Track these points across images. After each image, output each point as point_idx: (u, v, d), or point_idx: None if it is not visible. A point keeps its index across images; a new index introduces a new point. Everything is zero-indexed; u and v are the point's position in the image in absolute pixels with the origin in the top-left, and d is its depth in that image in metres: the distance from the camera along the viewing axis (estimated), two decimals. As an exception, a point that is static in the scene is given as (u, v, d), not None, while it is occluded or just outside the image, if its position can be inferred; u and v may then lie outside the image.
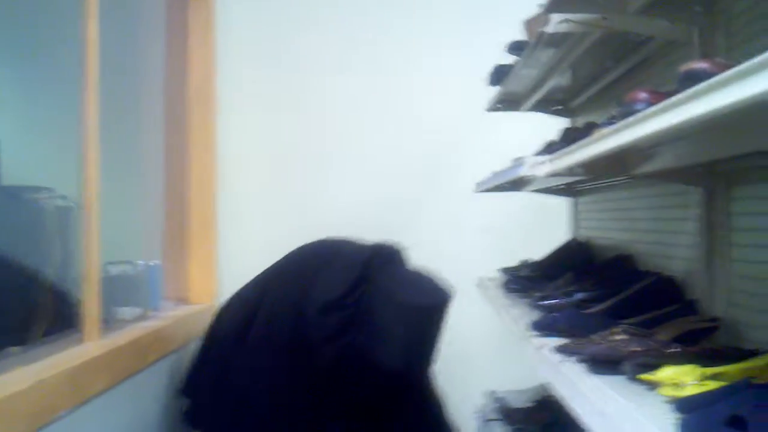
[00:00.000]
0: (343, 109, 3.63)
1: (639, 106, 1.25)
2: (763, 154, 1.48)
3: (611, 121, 1.59)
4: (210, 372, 2.50)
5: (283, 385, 2.38)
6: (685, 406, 0.99)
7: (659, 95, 1.27)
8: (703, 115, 0.90)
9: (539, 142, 2.65)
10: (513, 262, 2.98)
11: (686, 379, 1.10)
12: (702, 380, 1.09)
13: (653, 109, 1.05)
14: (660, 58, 2.12)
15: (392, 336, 2.35)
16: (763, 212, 1.54)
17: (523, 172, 1.77)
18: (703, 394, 1.00)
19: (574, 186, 3.03)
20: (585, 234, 2.97)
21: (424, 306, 2.43)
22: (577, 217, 3.15)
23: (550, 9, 1.84)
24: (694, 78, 1.02)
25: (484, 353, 3.48)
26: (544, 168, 1.77)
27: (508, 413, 2.69)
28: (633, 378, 1.25)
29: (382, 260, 2.53)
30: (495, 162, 3.00)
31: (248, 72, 3.59)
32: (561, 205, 3.24)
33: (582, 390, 1.26)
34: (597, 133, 1.38)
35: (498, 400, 2.86)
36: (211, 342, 2.58)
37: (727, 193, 1.67)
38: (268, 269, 2.66)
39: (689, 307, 1.64)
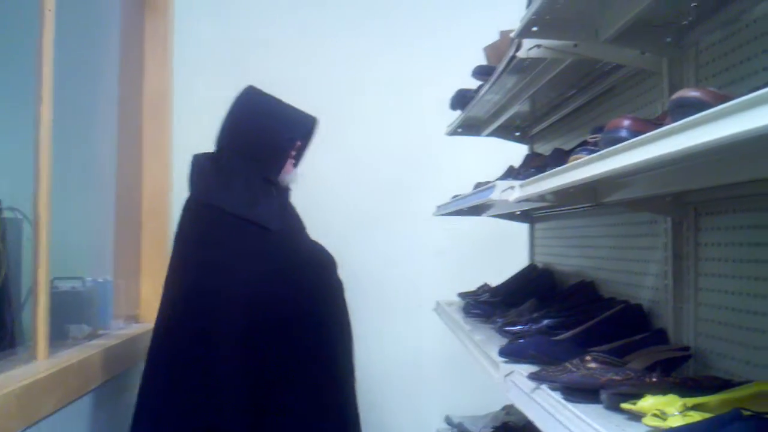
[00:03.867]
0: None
1: (622, 133, 1.25)
2: (731, 185, 1.50)
3: (585, 147, 1.60)
4: None
5: None
6: (673, 437, 0.98)
7: (643, 123, 1.27)
8: (697, 146, 0.89)
9: (495, 167, 2.66)
10: (469, 286, 2.98)
11: (669, 409, 1.09)
12: (684, 411, 1.09)
13: (644, 137, 1.03)
14: (625, 89, 2.15)
15: None
16: (730, 243, 1.55)
17: (494, 196, 1.76)
18: (690, 425, 0.99)
19: (531, 212, 3.04)
20: (543, 260, 2.98)
21: None
22: (533, 243, 3.16)
23: (522, 34, 1.85)
24: (685, 106, 1.03)
25: (438, 377, 3.46)
26: (514, 193, 1.76)
27: (467, 439, 2.67)
28: (611, 407, 1.24)
29: None
30: (451, 185, 3.02)
31: (204, 81, 3.52)
32: (517, 230, 3.25)
33: (559, 419, 1.24)
34: (577, 159, 1.38)
35: (455, 425, 2.83)
36: None
37: (695, 223, 1.68)
38: None
39: (658, 336, 1.64)
